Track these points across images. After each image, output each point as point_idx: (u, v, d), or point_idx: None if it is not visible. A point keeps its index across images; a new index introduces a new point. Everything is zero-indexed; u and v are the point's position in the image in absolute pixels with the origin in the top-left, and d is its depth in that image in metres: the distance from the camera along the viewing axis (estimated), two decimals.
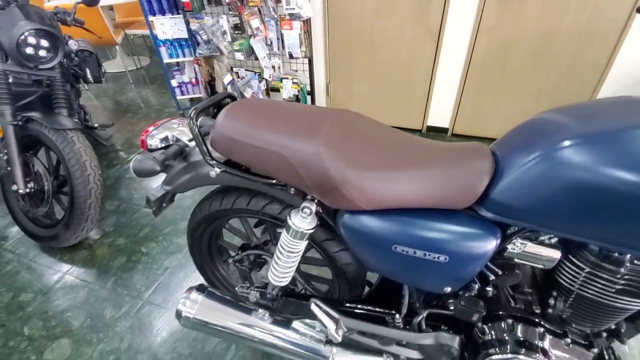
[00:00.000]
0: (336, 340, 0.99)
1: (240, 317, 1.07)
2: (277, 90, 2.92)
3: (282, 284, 1.09)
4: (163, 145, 1.15)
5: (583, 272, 0.80)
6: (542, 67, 2.50)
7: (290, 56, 2.64)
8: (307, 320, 1.07)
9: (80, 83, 2.94)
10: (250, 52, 2.76)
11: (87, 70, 2.91)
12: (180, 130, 1.21)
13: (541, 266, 0.88)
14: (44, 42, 1.90)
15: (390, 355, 1.08)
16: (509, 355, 0.91)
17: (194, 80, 3.25)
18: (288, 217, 0.94)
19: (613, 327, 0.92)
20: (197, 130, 0.94)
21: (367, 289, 1.26)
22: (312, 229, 0.93)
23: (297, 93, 2.72)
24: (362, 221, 0.88)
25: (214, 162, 0.98)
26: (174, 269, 1.91)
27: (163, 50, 3.07)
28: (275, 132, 0.86)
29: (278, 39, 2.63)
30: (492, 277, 0.95)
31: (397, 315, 1.03)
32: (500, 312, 0.98)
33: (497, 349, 0.94)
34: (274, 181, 0.96)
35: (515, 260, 0.86)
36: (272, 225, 1.25)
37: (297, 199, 0.98)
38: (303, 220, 0.92)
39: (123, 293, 1.80)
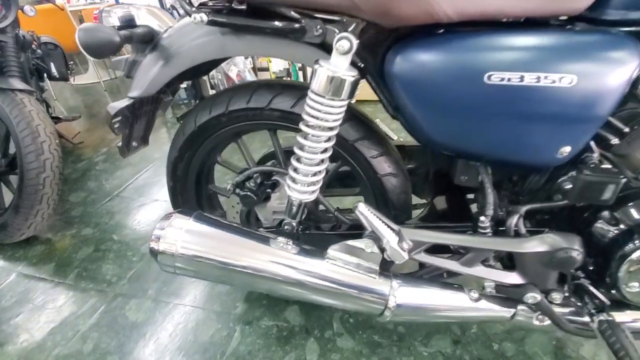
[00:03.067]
0: (400, 259, 0.66)
1: (251, 248, 0.72)
2: (265, 69, 2.66)
3: (309, 198, 0.75)
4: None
5: None
6: None
7: None
8: (350, 243, 0.72)
9: (44, 80, 2.61)
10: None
11: (52, 65, 2.60)
12: (149, 16, 0.91)
13: None
14: None
15: (473, 289, 0.74)
16: None
17: None
18: (316, 66, 0.62)
19: None
20: None
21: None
22: (354, 76, 0.62)
23: (287, 67, 2.47)
24: (438, 47, 0.58)
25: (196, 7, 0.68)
26: None
27: None
28: None
29: None
30: (615, 139, 0.65)
31: (483, 218, 0.70)
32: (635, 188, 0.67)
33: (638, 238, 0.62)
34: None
35: None
36: (279, 147, 0.93)
37: (315, 52, 0.67)
38: (339, 59, 0.60)
39: (88, 286, 1.39)
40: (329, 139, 0.71)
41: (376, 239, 0.70)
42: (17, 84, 1.59)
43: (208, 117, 0.89)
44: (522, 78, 0.56)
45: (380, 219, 0.69)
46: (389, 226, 0.68)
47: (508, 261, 0.76)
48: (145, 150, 2.46)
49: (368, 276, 0.70)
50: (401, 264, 0.70)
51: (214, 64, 0.94)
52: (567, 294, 0.76)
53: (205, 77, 2.82)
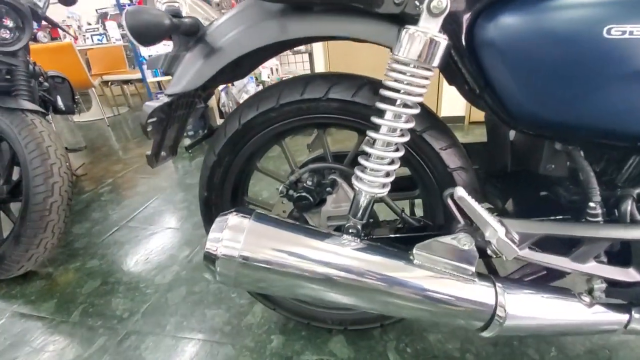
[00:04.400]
0: (511, 254, 0.55)
1: (325, 249, 0.60)
2: None
3: (381, 192, 0.65)
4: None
5: None
6: None
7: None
8: (441, 240, 0.61)
9: (50, 112, 2.56)
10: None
11: (58, 98, 2.57)
12: (196, 7, 0.86)
13: None
14: (8, 21, 1.58)
15: (583, 293, 0.63)
16: None
17: None
18: (403, 31, 0.55)
19: None
20: None
21: None
22: (446, 39, 0.55)
23: None
24: (543, 4, 0.52)
25: None
26: (170, 285, 1.36)
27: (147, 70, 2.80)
28: None
29: None
30: None
31: (593, 204, 0.60)
32: None
33: None
34: None
35: None
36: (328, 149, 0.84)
37: (392, 27, 0.61)
38: (431, 21, 0.54)
39: (95, 324, 1.22)
40: (408, 120, 0.63)
41: (474, 234, 0.59)
42: (28, 104, 1.51)
43: (255, 113, 0.80)
44: None
45: (484, 207, 0.58)
46: (495, 217, 0.58)
47: (618, 256, 0.65)
48: (152, 180, 2.35)
49: (466, 279, 0.58)
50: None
51: (259, 59, 0.88)
52: None
53: (214, 105, 2.79)
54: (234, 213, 0.61)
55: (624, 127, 0.58)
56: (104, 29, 4.26)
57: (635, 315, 0.65)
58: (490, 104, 0.65)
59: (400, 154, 0.66)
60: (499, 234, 0.55)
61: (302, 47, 2.41)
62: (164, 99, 0.79)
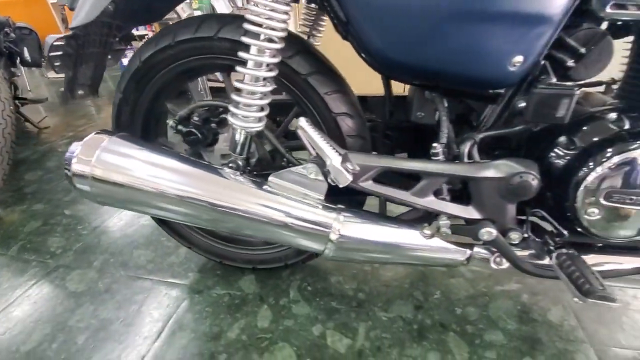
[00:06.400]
0: (343, 181, 0.60)
1: (179, 171, 0.65)
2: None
3: (255, 127, 0.70)
4: None
5: None
6: None
7: None
8: (294, 169, 0.66)
9: (17, 65, 2.53)
10: (212, 12, 2.50)
11: (25, 50, 2.52)
12: None
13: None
14: None
15: (427, 226, 0.69)
16: (618, 159, 0.57)
17: None
18: None
19: None
20: None
21: None
22: None
23: None
24: None
25: None
26: (106, 227, 1.42)
27: None
28: None
29: None
30: (570, 61, 0.63)
31: (436, 144, 0.66)
32: (590, 111, 0.64)
33: (598, 157, 0.59)
34: None
35: (605, 13, 0.56)
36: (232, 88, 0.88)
37: None
38: None
39: (30, 258, 1.28)
40: (274, 55, 0.67)
41: (321, 164, 0.64)
42: None
43: (153, 50, 0.83)
44: None
45: (324, 138, 0.63)
46: (333, 147, 0.63)
47: (463, 195, 0.71)
48: None
49: (310, 206, 0.64)
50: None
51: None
52: (526, 235, 0.71)
53: None
54: (96, 132, 0.65)
55: (466, 71, 0.62)
56: None
57: (477, 252, 0.72)
58: (355, 45, 0.69)
59: (269, 88, 0.69)
60: (333, 162, 0.60)
61: None
62: (67, 33, 0.81)
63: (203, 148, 0.87)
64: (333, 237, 0.63)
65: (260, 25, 0.63)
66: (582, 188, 0.60)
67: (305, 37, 1.06)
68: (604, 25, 0.68)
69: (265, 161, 0.88)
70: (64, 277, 1.18)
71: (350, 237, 0.64)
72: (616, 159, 0.58)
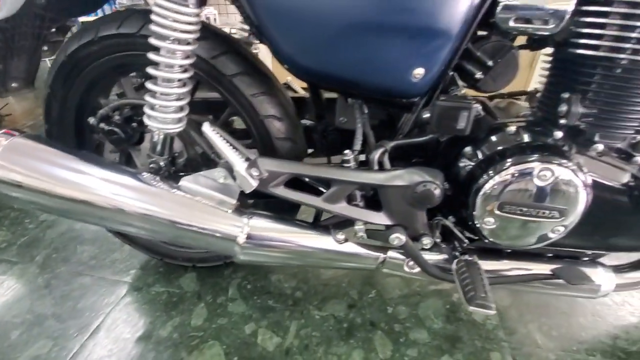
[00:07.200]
0: (248, 188, 0.61)
1: (90, 177, 0.64)
2: None
3: (173, 128, 0.69)
4: None
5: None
6: None
7: None
8: (203, 174, 0.66)
9: None
10: None
11: None
12: None
13: (547, 26, 0.59)
14: None
15: (341, 231, 0.70)
16: (512, 170, 0.59)
17: None
18: None
19: None
20: None
21: None
22: None
23: None
24: None
25: None
26: (54, 222, 1.39)
27: None
28: None
29: None
30: (478, 73, 0.64)
31: (348, 151, 0.67)
32: (497, 123, 0.66)
33: (494, 169, 0.61)
34: None
35: (509, 27, 0.57)
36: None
37: None
38: None
39: None
40: (187, 56, 0.66)
41: (230, 168, 0.64)
42: None
43: (77, 45, 0.81)
44: None
45: (229, 142, 0.63)
46: (240, 152, 0.63)
47: (376, 202, 0.73)
48: None
49: (219, 210, 0.65)
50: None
51: None
52: (438, 239, 0.73)
53: None
54: (2, 132, 0.64)
55: (371, 80, 0.63)
56: None
57: (390, 256, 0.74)
58: (269, 48, 0.68)
59: (186, 89, 0.69)
60: (237, 168, 0.61)
61: None
62: None
63: (130, 147, 0.86)
64: (240, 240, 0.64)
65: (166, 28, 0.63)
66: (479, 198, 0.62)
67: (246, 34, 1.05)
68: (522, 38, 0.70)
69: (196, 161, 0.88)
70: (5, 272, 1.17)
71: (258, 241, 0.65)
72: (511, 171, 0.60)
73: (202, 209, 0.64)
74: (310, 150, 0.99)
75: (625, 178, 0.62)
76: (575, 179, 0.58)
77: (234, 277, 1.12)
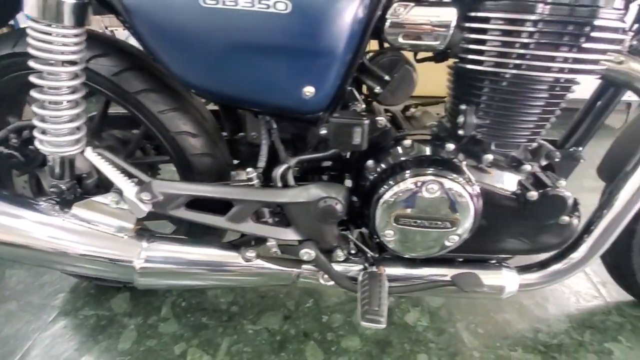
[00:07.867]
0: (140, 213, 0.59)
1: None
2: None
3: (70, 151, 0.66)
4: None
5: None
6: None
7: None
8: (95, 199, 0.64)
9: None
10: None
11: None
12: None
13: (435, 42, 0.61)
14: None
15: (252, 249, 0.69)
16: (410, 182, 0.60)
17: None
18: None
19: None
20: None
21: None
22: None
23: None
24: None
25: None
26: None
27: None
28: None
29: None
30: (376, 87, 0.65)
31: (250, 169, 0.66)
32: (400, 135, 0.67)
33: (390, 182, 0.62)
34: None
35: (399, 43, 0.58)
36: None
37: None
38: None
39: None
40: (74, 77, 0.63)
41: (121, 193, 0.62)
42: None
43: None
44: (236, 1, 0.52)
45: (117, 167, 0.61)
46: (133, 175, 0.61)
47: (285, 217, 0.72)
48: None
49: (114, 235, 0.62)
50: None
51: None
52: (353, 251, 0.74)
53: None
54: None
55: (263, 98, 0.62)
56: None
57: (305, 270, 0.74)
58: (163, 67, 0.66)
59: (78, 110, 0.65)
60: (125, 194, 0.59)
61: None
62: None
63: (36, 169, 0.82)
64: (137, 266, 0.62)
65: (43, 50, 0.59)
66: (377, 210, 0.63)
67: None
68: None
69: (108, 181, 0.85)
70: None
71: (157, 265, 0.63)
72: (401, 186, 0.61)
73: (95, 235, 0.62)
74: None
75: (515, 186, 0.64)
76: (462, 191, 0.59)
77: (169, 295, 1.10)
